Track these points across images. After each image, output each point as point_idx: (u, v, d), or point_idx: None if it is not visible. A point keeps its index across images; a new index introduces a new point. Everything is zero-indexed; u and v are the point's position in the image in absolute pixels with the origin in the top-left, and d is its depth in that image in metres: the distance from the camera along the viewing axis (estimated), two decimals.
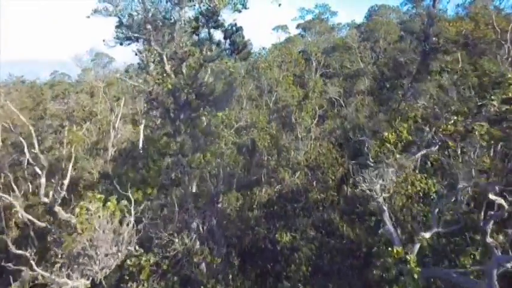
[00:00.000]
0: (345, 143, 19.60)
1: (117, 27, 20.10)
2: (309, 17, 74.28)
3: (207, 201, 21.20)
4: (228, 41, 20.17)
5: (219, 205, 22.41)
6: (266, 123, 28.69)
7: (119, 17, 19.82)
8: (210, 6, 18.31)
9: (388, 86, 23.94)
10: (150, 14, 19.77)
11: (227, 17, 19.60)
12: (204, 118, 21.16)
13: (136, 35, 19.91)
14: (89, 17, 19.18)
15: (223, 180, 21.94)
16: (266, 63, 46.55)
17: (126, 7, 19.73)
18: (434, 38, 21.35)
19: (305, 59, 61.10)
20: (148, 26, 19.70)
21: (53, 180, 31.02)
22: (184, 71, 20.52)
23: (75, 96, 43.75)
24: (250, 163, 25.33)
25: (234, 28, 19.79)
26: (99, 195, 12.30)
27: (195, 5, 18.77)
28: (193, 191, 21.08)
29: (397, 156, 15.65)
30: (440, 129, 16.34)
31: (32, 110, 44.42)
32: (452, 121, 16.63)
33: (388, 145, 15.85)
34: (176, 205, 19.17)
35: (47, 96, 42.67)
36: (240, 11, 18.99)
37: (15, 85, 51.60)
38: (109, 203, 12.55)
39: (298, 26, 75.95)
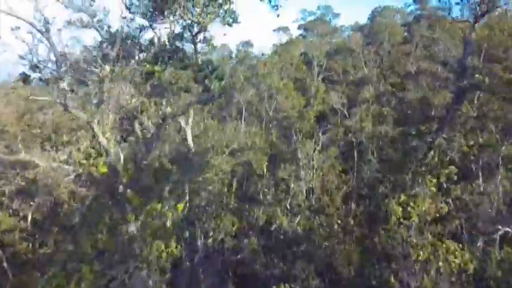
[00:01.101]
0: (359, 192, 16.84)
1: (24, 82, 14.39)
2: (310, 18, 71.91)
3: None
4: (201, 86, 14.93)
5: (210, 240, 20.06)
6: (263, 142, 26.06)
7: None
8: (193, 21, 14.11)
9: (414, 133, 20.94)
10: (65, 63, 13.76)
11: (216, 32, 15.53)
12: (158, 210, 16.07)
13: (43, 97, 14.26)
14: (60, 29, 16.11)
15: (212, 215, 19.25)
16: (266, 69, 44.26)
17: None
18: (477, 75, 17.46)
19: (306, 62, 58.64)
20: (63, 85, 13.44)
21: (32, 203, 28.76)
22: (138, 132, 15.83)
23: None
24: (243, 194, 22.81)
25: (208, 68, 14.59)
26: None
27: (177, 21, 14.64)
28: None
29: None
30: None
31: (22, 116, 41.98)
32: None
33: None
34: None
35: (33, 105, 40.15)
36: (230, 25, 15.27)
37: (14, 87, 49.04)
38: None
39: (299, 27, 73.68)
